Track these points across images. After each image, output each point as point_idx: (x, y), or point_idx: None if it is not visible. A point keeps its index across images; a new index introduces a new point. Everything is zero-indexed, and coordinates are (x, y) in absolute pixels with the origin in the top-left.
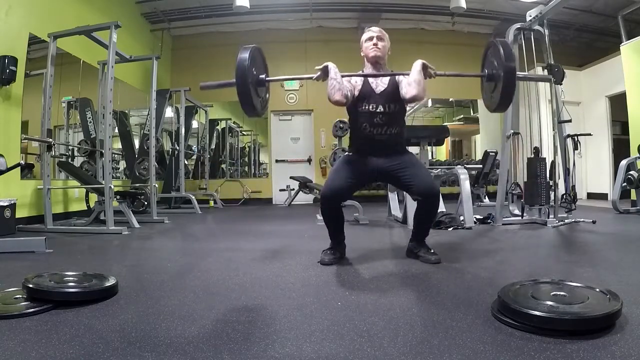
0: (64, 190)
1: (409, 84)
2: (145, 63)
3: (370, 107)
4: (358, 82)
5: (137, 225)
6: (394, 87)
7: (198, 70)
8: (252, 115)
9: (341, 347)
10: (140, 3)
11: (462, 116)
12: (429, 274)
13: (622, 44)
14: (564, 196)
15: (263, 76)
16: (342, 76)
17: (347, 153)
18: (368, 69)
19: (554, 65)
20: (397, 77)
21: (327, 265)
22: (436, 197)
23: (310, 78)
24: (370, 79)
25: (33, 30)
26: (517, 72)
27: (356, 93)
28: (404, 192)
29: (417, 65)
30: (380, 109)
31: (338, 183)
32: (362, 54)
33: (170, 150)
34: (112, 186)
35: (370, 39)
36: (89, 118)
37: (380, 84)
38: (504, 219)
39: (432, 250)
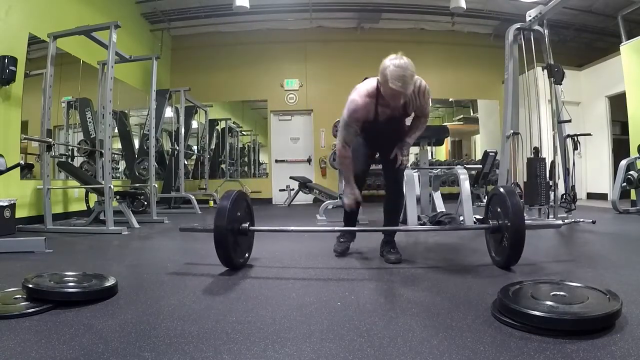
0: (63, 190)
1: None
2: (145, 63)
3: (378, 128)
4: (371, 110)
5: (136, 225)
6: (403, 110)
7: (198, 70)
8: (229, 267)
9: (341, 347)
10: (140, 3)
11: (461, 116)
12: (428, 274)
13: (622, 44)
14: (564, 196)
15: (246, 225)
16: (355, 118)
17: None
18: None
19: (554, 65)
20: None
21: (341, 250)
22: (399, 188)
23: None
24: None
25: (33, 30)
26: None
27: (371, 117)
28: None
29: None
30: (386, 129)
31: (360, 166)
32: (381, 80)
33: (170, 150)
34: (112, 186)
35: (396, 97)
36: (89, 118)
37: (387, 110)
38: None
39: (395, 250)
